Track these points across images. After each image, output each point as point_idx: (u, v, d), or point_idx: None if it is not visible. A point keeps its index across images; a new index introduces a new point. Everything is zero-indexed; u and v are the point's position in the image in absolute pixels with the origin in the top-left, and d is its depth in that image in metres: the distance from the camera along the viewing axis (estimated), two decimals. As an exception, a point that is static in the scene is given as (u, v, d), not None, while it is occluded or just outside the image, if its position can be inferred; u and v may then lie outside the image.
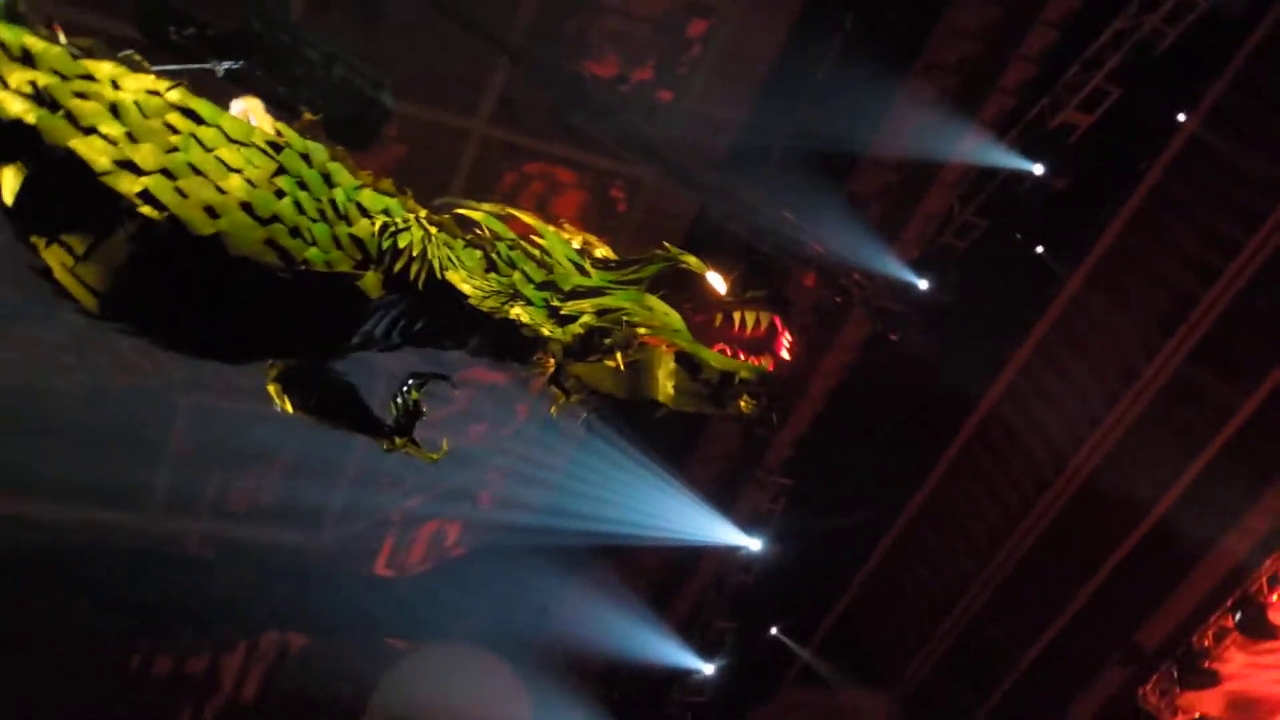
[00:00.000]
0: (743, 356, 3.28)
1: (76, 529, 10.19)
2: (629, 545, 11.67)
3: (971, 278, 10.15)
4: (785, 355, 3.34)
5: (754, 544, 12.05)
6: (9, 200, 2.88)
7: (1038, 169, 9.55)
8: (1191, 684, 11.56)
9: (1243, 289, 9.18)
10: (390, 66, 7.44)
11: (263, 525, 11.24)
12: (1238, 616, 11.12)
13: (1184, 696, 11.71)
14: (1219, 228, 9.18)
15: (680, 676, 12.71)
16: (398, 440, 3.48)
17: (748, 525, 12.04)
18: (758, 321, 3.31)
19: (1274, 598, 10.73)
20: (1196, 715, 11.88)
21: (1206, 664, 11.35)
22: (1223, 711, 11.71)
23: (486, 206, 3.39)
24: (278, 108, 3.42)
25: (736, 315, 3.31)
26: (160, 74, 3.10)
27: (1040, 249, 10.03)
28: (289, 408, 3.44)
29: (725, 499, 11.86)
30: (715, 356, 3.24)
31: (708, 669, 12.64)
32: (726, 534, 11.93)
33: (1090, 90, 9.18)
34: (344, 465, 11.18)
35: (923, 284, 10.14)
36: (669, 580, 12.87)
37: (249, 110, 3.31)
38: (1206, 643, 11.40)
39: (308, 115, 3.33)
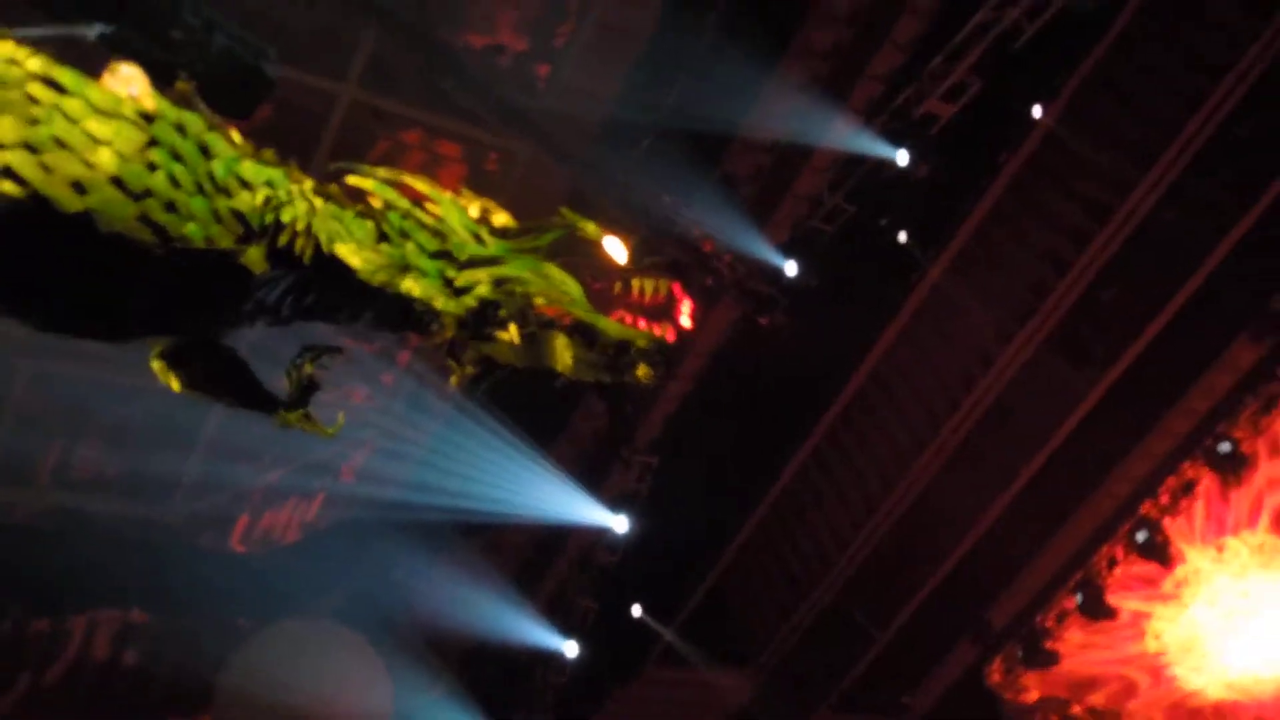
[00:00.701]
0: (643, 324, 3.30)
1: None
2: (495, 524, 11.53)
3: (839, 263, 10.32)
4: (686, 322, 3.37)
5: (620, 523, 12.02)
6: None
7: (903, 157, 9.76)
8: (1034, 663, 12.06)
9: (1093, 280, 9.56)
10: (255, 22, 7.16)
11: (108, 496, 10.83)
12: (1078, 598, 11.66)
13: (1026, 675, 12.21)
14: (1072, 220, 9.54)
15: (544, 656, 12.64)
16: (290, 415, 3.39)
17: (614, 504, 12.02)
18: (657, 289, 3.33)
19: (1106, 581, 11.30)
20: (1036, 696, 12.39)
21: (1048, 644, 11.86)
22: (1058, 689, 12.22)
23: (380, 173, 3.32)
24: (155, 74, 3.24)
25: (635, 283, 3.33)
26: (22, 40, 2.92)
27: (904, 236, 10.26)
28: (175, 385, 3.31)
29: (592, 478, 11.82)
30: (612, 325, 3.25)
31: (571, 649, 12.57)
32: (593, 513, 11.90)
33: (953, 81, 9.43)
34: (199, 436, 10.81)
35: (792, 267, 10.25)
36: (535, 560, 12.81)
37: (129, 78, 3.13)
38: (1049, 624, 11.91)
39: (182, 83, 3.18)
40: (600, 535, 12.21)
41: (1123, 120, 9.19)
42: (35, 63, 2.88)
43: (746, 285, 10.35)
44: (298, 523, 12.31)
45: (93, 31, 5.02)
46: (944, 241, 10.04)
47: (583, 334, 3.24)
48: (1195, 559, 11.36)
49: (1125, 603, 11.74)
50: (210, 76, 5.90)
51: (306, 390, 3.40)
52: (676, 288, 3.37)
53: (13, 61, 2.84)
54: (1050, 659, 12.05)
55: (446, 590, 12.11)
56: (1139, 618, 11.88)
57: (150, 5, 5.80)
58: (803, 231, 10.02)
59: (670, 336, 3.33)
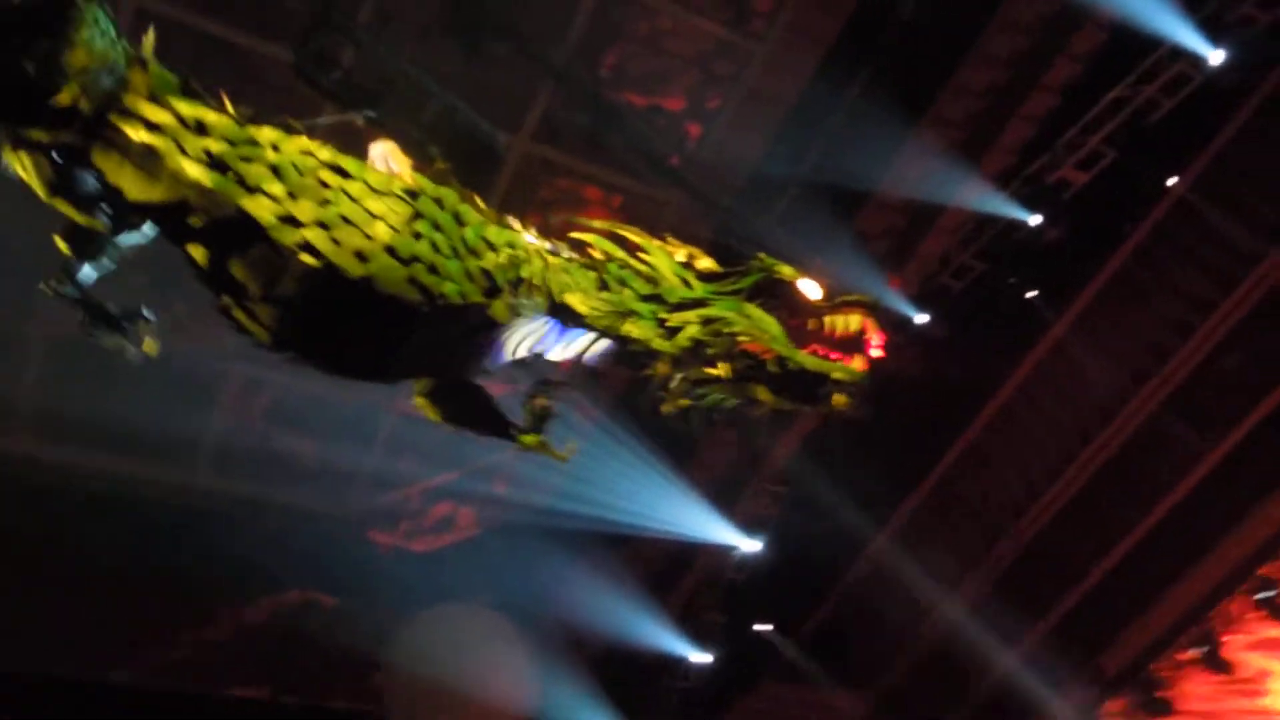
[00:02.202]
0: (836, 357, 3.40)
1: (126, 480, 10.54)
2: (633, 536, 11.82)
3: (966, 316, 10.41)
4: (876, 354, 3.45)
5: (749, 545, 12.24)
6: (202, 267, 3.22)
7: (1034, 220, 9.80)
8: (1149, 710, 11.78)
9: (1215, 347, 9.42)
10: (442, 78, 7.78)
11: (295, 489, 11.53)
12: (1197, 650, 11.38)
13: (1143, 721, 11.93)
14: (1196, 288, 9.42)
15: (672, 663, 12.87)
16: (528, 440, 3.66)
17: (744, 526, 12.22)
18: (849, 323, 3.43)
19: (1226, 637, 11.00)
20: (1153, 741, 12.05)
21: (1161, 693, 11.60)
22: (1181, 740, 11.88)
23: (597, 225, 3.60)
24: (409, 149, 3.72)
25: (829, 319, 3.45)
26: (310, 129, 3.41)
27: (1031, 294, 10.29)
28: (436, 417, 3.66)
29: (724, 501, 12.09)
30: (810, 359, 3.38)
31: (698, 658, 12.82)
32: (723, 534, 12.10)
33: (1087, 151, 9.44)
34: (375, 439, 11.50)
35: (920, 318, 10.41)
36: (667, 572, 13.01)
37: (387, 153, 3.58)
38: (1165, 673, 11.65)
39: (440, 163, 3.61)
40: (730, 554, 12.46)
41: (1254, 195, 9.04)
42: (325, 153, 3.33)
43: (875, 332, 10.49)
44: (455, 524, 12.95)
45: (362, 117, 5.75)
46: (1069, 301, 10.02)
47: (783, 368, 3.36)
48: (1321, 624, 10.94)
49: (1248, 658, 11.38)
50: (453, 150, 6.57)
51: (542, 419, 3.67)
52: (868, 322, 3.43)
53: (308, 153, 3.30)
54: (1165, 708, 11.76)
55: (587, 595, 12.46)
56: (1263, 675, 11.49)
57: (407, 93, 6.55)
58: (932, 286, 10.16)
59: (863, 367, 3.41)
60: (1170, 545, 10.58)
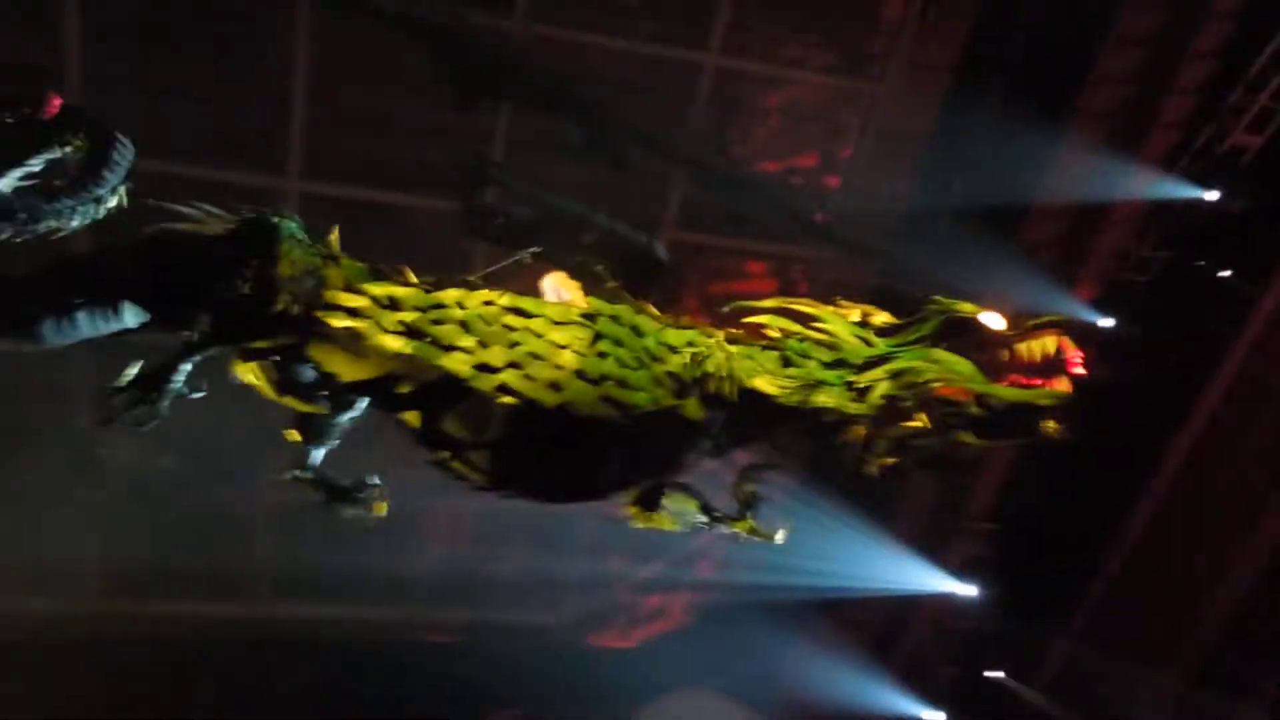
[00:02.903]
0: (1038, 383, 3.22)
1: (353, 625, 10.76)
2: (845, 599, 11.25)
3: (1158, 309, 9.52)
4: (1079, 371, 3.25)
5: (968, 590, 11.49)
6: (416, 429, 3.35)
7: (1211, 195, 8.95)
8: None
9: None
10: (579, 190, 7.75)
11: (508, 606, 11.55)
12: None
13: None
14: None
15: (910, 727, 12.16)
16: (741, 526, 3.61)
17: (960, 572, 11.50)
18: (1044, 346, 3.26)
19: None
20: None
21: None
22: None
23: (767, 304, 3.56)
24: (577, 274, 3.88)
25: (1021, 346, 3.28)
26: (487, 279, 3.57)
27: (1227, 273, 9.34)
28: (647, 524, 3.64)
29: (934, 548, 11.40)
30: (1010, 392, 3.22)
31: (937, 717, 12.02)
32: (940, 582, 11.43)
33: (1257, 111, 8.60)
34: (579, 544, 11.38)
35: (1107, 322, 9.60)
36: (887, 631, 12.41)
37: (557, 284, 3.75)
38: None
39: (611, 283, 3.70)
40: (951, 602, 11.71)
41: None
42: (504, 299, 3.43)
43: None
44: (670, 612, 12.66)
45: (528, 255, 5.82)
46: (1272, 271, 9.01)
47: (985, 407, 3.22)
48: None
49: None
50: (618, 265, 6.56)
51: (751, 504, 3.60)
52: (1063, 341, 3.26)
53: (489, 302, 3.39)
54: None
55: (810, 666, 11.96)
56: None
57: (565, 223, 6.64)
58: (1114, 285, 9.35)
59: (1066, 388, 3.21)
60: None
